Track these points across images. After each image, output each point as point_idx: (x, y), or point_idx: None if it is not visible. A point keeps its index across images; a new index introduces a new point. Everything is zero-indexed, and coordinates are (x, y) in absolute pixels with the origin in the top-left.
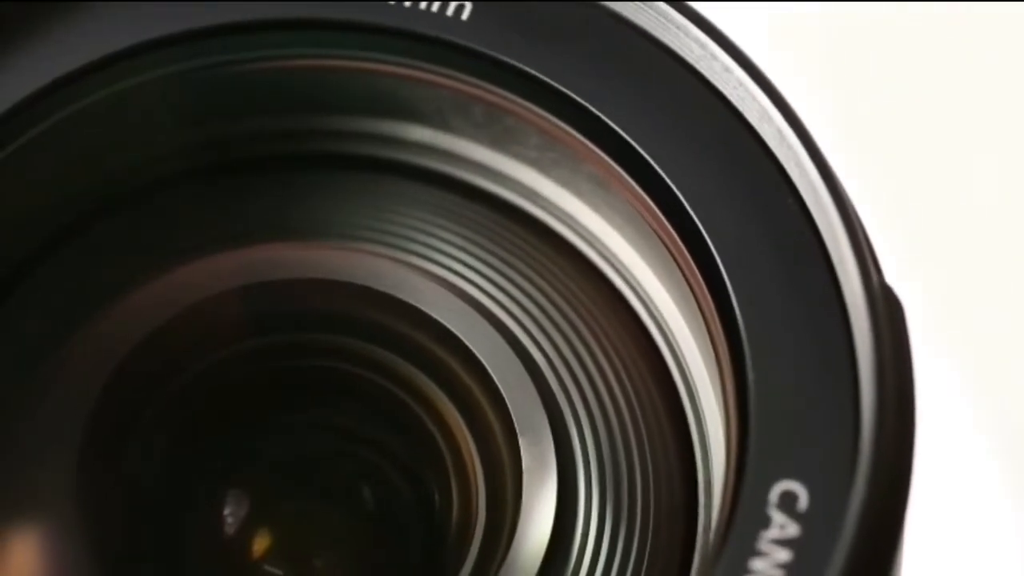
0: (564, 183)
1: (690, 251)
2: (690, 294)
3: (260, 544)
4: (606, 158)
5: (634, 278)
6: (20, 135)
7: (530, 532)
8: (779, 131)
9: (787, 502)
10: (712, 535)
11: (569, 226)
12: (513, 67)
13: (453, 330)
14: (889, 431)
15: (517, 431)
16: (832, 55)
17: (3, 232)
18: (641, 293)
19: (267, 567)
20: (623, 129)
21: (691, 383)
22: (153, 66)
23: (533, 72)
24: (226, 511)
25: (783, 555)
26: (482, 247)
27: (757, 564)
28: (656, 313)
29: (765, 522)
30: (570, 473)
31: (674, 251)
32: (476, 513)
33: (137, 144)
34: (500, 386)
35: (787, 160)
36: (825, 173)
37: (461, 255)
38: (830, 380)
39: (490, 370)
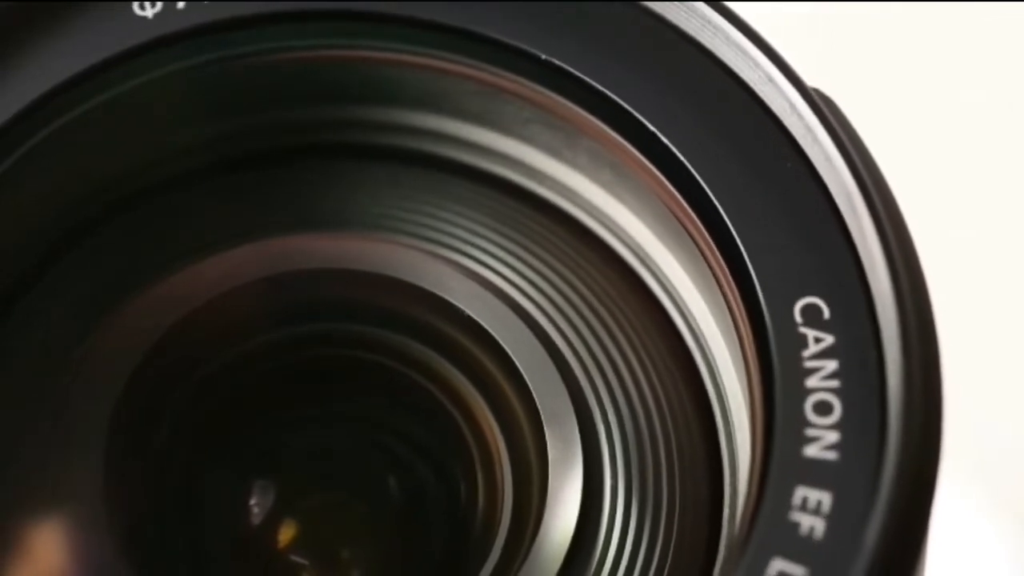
0: (585, 171)
1: (713, 238)
2: (713, 280)
3: (286, 535)
4: (624, 142)
5: (657, 267)
6: (44, 127)
7: (556, 522)
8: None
9: (812, 315)
10: (750, 389)
11: (592, 215)
12: (536, 57)
13: (480, 320)
14: (884, 227)
15: (543, 421)
16: (827, 54)
17: (27, 224)
18: (664, 280)
19: (293, 557)
20: (642, 114)
21: (714, 368)
22: (175, 59)
23: (561, 65)
24: (252, 501)
25: (831, 365)
26: (508, 237)
27: (811, 381)
28: (679, 300)
29: (801, 341)
30: (596, 463)
31: (697, 237)
32: (502, 503)
33: (161, 137)
34: (526, 376)
35: (796, 128)
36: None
37: (487, 245)
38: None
39: (516, 360)
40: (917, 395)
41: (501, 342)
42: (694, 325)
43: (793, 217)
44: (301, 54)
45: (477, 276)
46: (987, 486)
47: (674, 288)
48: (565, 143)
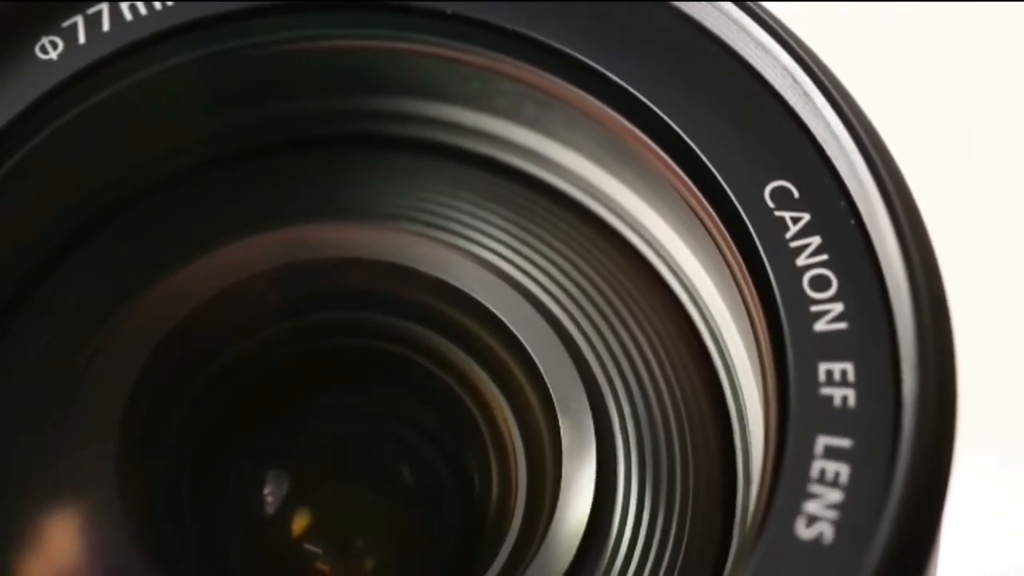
0: (597, 160)
1: (725, 223)
2: (725, 267)
3: (299, 524)
4: (636, 130)
5: (669, 254)
6: (61, 116)
7: (570, 510)
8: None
9: (782, 198)
10: (740, 291)
11: (605, 204)
12: (548, 46)
13: (492, 309)
14: (834, 97)
15: (557, 410)
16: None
17: (41, 216)
18: (675, 268)
19: (307, 546)
20: (652, 101)
21: (727, 356)
22: (190, 48)
23: (571, 53)
24: (266, 491)
25: (815, 240)
26: (520, 226)
27: (801, 260)
28: (690, 286)
29: (780, 224)
30: (609, 451)
31: (709, 224)
32: (515, 492)
33: (175, 127)
34: (539, 365)
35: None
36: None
37: (500, 235)
38: None
39: (529, 349)
40: (911, 247)
41: (515, 331)
42: (705, 310)
43: (735, 110)
44: (311, 44)
45: (490, 265)
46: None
47: (686, 274)
48: (582, 134)
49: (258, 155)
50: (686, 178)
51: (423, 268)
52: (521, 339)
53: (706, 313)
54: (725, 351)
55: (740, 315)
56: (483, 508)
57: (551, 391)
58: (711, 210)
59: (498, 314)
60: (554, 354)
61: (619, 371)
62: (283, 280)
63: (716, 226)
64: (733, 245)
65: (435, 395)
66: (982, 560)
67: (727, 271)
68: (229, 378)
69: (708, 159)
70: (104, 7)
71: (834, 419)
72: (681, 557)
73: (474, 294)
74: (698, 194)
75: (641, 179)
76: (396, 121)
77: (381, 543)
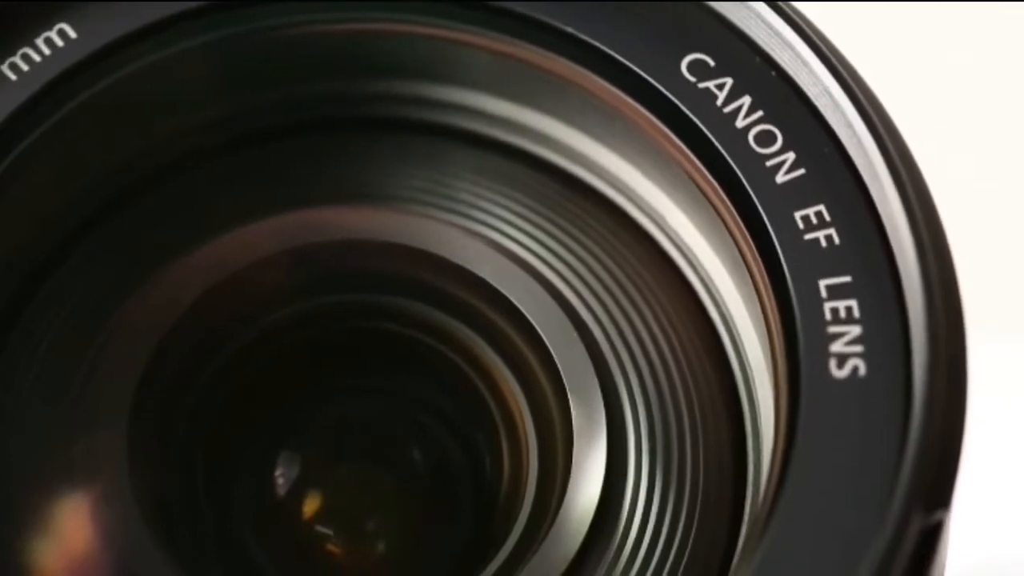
0: (610, 145)
1: (738, 210)
2: (737, 253)
3: (311, 506)
4: (651, 116)
5: (679, 237)
6: (72, 98)
7: (581, 491)
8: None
9: (699, 70)
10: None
11: (616, 188)
12: (553, 28)
13: (504, 292)
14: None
15: (567, 391)
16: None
17: (54, 200)
18: (687, 251)
19: (319, 528)
20: (656, 79)
21: (737, 339)
22: (202, 30)
23: (577, 34)
24: (278, 473)
25: (744, 100)
26: (532, 209)
27: (740, 122)
28: (701, 270)
29: (708, 96)
30: (620, 433)
31: (722, 210)
32: (527, 474)
33: (183, 113)
34: (550, 347)
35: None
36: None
37: (511, 217)
38: None
39: (540, 331)
40: (847, 79)
41: (525, 312)
42: (716, 295)
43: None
44: (324, 28)
45: (500, 247)
46: None
47: (697, 258)
48: (597, 120)
49: (272, 138)
50: (610, 85)
51: (435, 251)
52: (532, 321)
53: (714, 291)
54: (733, 328)
55: (751, 299)
56: (494, 490)
57: (561, 372)
58: (638, 106)
59: (510, 297)
60: (565, 336)
61: (630, 354)
62: (294, 263)
63: (649, 122)
64: (672, 134)
65: (446, 377)
66: (982, 548)
67: (679, 168)
68: (240, 362)
69: (617, 53)
70: None
71: (827, 260)
72: (692, 538)
73: (486, 276)
74: (623, 96)
75: (628, 143)
76: (411, 105)
77: (392, 525)
